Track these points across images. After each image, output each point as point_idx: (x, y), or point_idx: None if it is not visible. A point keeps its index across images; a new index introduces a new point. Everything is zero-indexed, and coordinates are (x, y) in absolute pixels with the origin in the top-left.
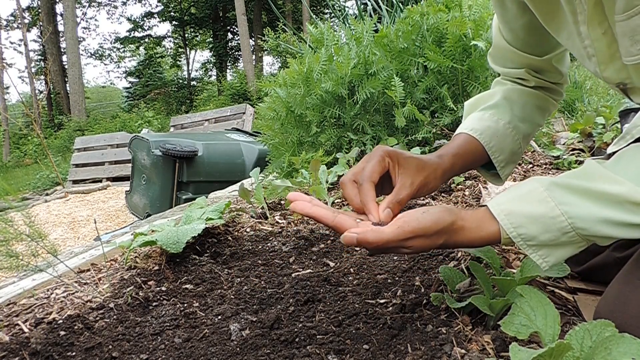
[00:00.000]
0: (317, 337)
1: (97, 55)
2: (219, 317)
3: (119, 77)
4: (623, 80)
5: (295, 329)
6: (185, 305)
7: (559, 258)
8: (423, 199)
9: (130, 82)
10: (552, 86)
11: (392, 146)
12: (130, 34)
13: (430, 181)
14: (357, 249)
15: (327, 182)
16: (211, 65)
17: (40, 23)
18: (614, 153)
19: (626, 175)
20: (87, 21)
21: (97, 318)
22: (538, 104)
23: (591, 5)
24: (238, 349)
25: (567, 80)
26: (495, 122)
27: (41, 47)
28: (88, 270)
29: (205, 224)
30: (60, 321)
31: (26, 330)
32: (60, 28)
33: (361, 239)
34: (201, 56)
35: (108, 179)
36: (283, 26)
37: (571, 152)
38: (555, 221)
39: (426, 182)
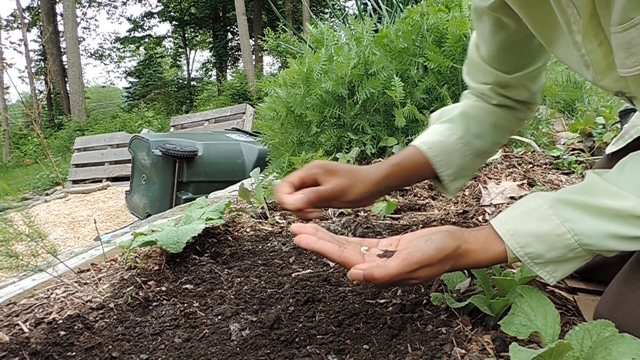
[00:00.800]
0: (317, 337)
1: (97, 55)
2: (219, 317)
3: (119, 77)
4: (621, 90)
5: (295, 329)
6: (185, 305)
7: (565, 272)
8: (423, 199)
9: (130, 82)
10: (516, 105)
11: (391, 146)
12: (130, 34)
13: (358, 185)
14: None
15: None
16: (211, 65)
17: (40, 23)
18: (613, 153)
19: (629, 188)
20: (87, 21)
21: (97, 318)
22: (497, 122)
23: (586, 17)
24: (238, 349)
25: (538, 100)
26: (448, 136)
27: (41, 47)
28: (88, 270)
29: (205, 224)
30: (60, 321)
31: (26, 330)
32: (60, 28)
33: (368, 275)
34: (201, 56)
35: (108, 179)
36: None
37: (571, 152)
38: (562, 239)
39: (354, 185)
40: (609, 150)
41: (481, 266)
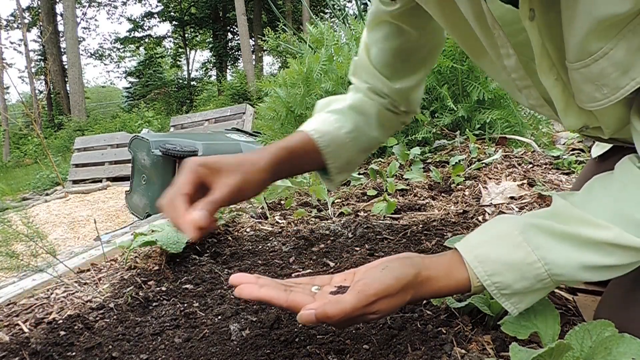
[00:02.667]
0: (317, 337)
1: (97, 55)
2: (219, 317)
3: (119, 77)
4: (585, 124)
5: (295, 329)
6: (185, 305)
7: (529, 304)
8: (423, 199)
9: (130, 82)
10: (394, 109)
11: (391, 146)
12: (130, 34)
13: (251, 176)
14: (357, 248)
15: None
16: (211, 65)
17: (40, 23)
18: (599, 156)
19: (601, 215)
20: (87, 21)
21: (97, 318)
22: (382, 122)
23: (538, 50)
24: (238, 349)
25: (417, 110)
26: (337, 128)
27: (41, 47)
28: (88, 270)
29: None
30: (60, 321)
31: (26, 330)
32: (60, 28)
33: (320, 314)
34: (201, 56)
35: (108, 179)
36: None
37: (571, 152)
38: (532, 267)
39: (246, 178)
40: (594, 152)
41: (444, 295)
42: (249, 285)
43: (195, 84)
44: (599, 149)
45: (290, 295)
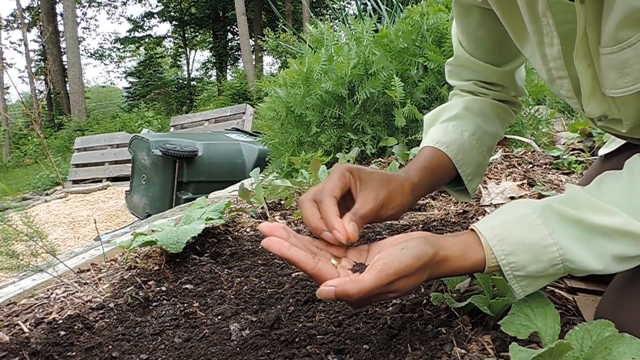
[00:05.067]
0: (317, 337)
1: (97, 55)
2: (219, 317)
3: (119, 77)
4: (604, 113)
5: (295, 329)
6: (185, 305)
7: (536, 288)
8: (423, 199)
9: (130, 82)
10: (506, 97)
11: (390, 146)
12: (130, 34)
13: (396, 196)
14: None
15: None
16: (211, 65)
17: (40, 23)
18: (606, 155)
19: (613, 202)
20: (87, 21)
21: (97, 318)
22: (499, 113)
23: (580, 35)
24: (238, 349)
25: (524, 92)
26: (460, 133)
27: (41, 47)
28: (88, 270)
29: (205, 224)
30: (60, 321)
31: (26, 330)
32: (60, 28)
33: (340, 291)
34: (201, 56)
35: (108, 179)
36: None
37: (571, 152)
38: (547, 251)
39: (391, 197)
40: (602, 152)
41: (459, 274)
42: (278, 240)
43: (195, 84)
44: (607, 149)
45: (318, 263)
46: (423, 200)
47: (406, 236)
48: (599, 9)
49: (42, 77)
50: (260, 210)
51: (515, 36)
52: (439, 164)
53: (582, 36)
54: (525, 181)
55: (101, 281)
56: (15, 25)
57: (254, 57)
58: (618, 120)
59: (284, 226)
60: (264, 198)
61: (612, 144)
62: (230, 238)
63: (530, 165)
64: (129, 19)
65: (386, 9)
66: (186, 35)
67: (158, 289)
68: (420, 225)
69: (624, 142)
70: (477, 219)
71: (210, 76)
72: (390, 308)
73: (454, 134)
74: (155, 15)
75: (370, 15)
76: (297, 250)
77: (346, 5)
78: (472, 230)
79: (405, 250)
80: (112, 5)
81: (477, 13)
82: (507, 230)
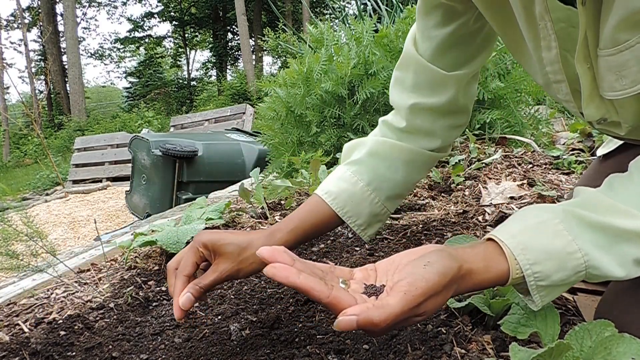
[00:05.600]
0: (317, 337)
1: (97, 55)
2: (219, 317)
3: (119, 77)
4: (603, 116)
5: (295, 329)
6: None
7: (553, 298)
8: (423, 199)
9: (130, 82)
10: (431, 129)
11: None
12: (130, 34)
13: (249, 264)
14: (357, 248)
15: None
16: (211, 65)
17: (40, 23)
18: (604, 155)
19: (627, 203)
20: (87, 21)
21: (97, 318)
22: (408, 158)
23: (582, 37)
24: (238, 348)
25: (469, 113)
26: (354, 184)
27: (41, 47)
28: (88, 270)
29: (205, 224)
30: (60, 321)
31: (26, 330)
32: (60, 28)
33: (363, 320)
34: (201, 56)
35: (108, 179)
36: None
37: (571, 152)
38: (571, 257)
39: (241, 266)
40: (600, 152)
41: (483, 288)
42: (285, 267)
43: (195, 84)
44: (605, 149)
45: (333, 290)
46: (423, 200)
47: (420, 251)
48: (598, 11)
49: (42, 77)
50: (260, 210)
51: (508, 42)
52: (322, 216)
53: (582, 38)
54: (525, 181)
55: (101, 281)
56: (15, 25)
57: (254, 57)
58: (617, 123)
59: (285, 249)
60: (264, 198)
61: (610, 144)
62: None
63: (530, 165)
64: (129, 19)
65: (386, 9)
66: (186, 35)
67: (158, 289)
68: (420, 225)
69: (621, 142)
70: (477, 219)
71: (210, 76)
72: None
73: (346, 183)
74: (155, 15)
75: (370, 15)
76: (307, 277)
77: (346, 5)
78: (489, 239)
79: (429, 267)
80: (112, 5)
81: (438, 11)
82: (530, 238)
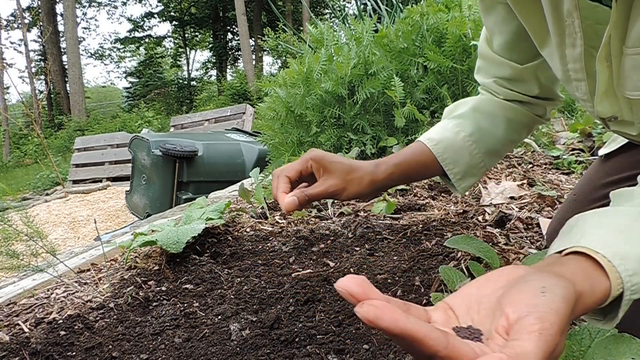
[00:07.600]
0: (317, 337)
1: (97, 55)
2: (219, 317)
3: (119, 77)
4: (614, 114)
5: (295, 329)
6: (185, 305)
7: (624, 311)
8: (423, 199)
9: (130, 82)
10: (530, 100)
11: (390, 146)
12: (130, 34)
13: (351, 186)
14: (357, 248)
15: None
16: (211, 65)
17: (40, 23)
18: (605, 155)
19: None
20: (87, 21)
21: (97, 318)
22: (511, 117)
23: (607, 37)
24: (238, 348)
25: (555, 94)
26: (456, 133)
27: (41, 47)
28: (88, 270)
29: (205, 224)
30: (61, 321)
31: (26, 330)
32: (60, 28)
33: None
34: (201, 56)
35: (108, 179)
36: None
37: (571, 152)
38: None
39: (346, 186)
40: (602, 152)
41: (587, 312)
42: (392, 309)
43: (195, 84)
44: (607, 149)
45: (449, 339)
46: (423, 200)
47: (499, 276)
48: (629, 8)
49: (42, 77)
50: (260, 210)
51: (534, 35)
52: (421, 160)
53: (608, 37)
54: (525, 181)
55: (101, 281)
56: (15, 25)
57: (254, 57)
58: (629, 123)
59: (364, 279)
60: (264, 198)
61: (612, 144)
62: (230, 238)
63: (530, 165)
64: (129, 19)
65: (386, 9)
66: (186, 35)
67: (158, 289)
68: (420, 225)
69: (624, 142)
70: (477, 219)
71: (210, 76)
72: None
73: (448, 132)
74: (155, 15)
75: (370, 15)
76: (418, 322)
77: (346, 5)
78: (575, 252)
79: (550, 294)
80: (112, 5)
81: (501, 9)
82: (623, 247)
